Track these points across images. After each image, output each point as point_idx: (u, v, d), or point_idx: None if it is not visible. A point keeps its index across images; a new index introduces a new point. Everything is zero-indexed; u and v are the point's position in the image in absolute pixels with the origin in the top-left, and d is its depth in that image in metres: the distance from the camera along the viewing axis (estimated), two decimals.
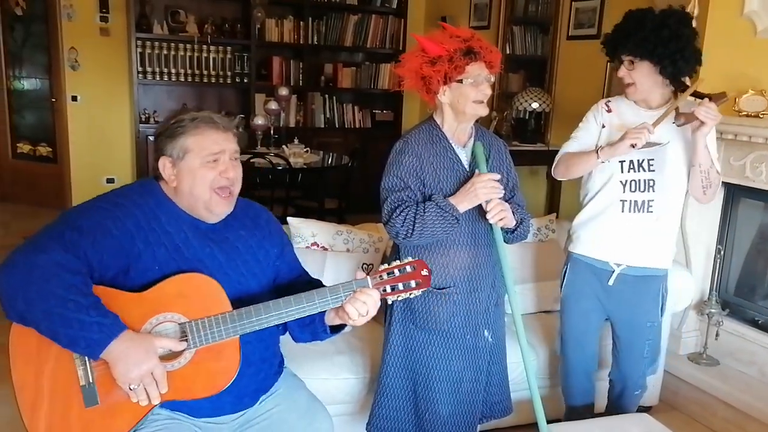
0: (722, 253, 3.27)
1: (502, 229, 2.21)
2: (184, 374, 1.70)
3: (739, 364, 3.22)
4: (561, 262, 3.34)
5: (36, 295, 1.56)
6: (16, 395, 1.66)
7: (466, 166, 2.25)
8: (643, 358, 2.64)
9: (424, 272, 1.80)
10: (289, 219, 3.04)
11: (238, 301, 1.77)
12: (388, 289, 1.79)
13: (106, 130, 6.33)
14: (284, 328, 1.98)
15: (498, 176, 2.17)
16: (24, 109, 6.64)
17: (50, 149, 6.56)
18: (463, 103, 2.16)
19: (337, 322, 1.88)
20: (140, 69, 6.09)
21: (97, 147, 6.34)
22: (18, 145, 6.66)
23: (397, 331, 2.33)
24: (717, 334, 3.23)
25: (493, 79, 2.21)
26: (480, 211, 2.19)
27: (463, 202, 2.14)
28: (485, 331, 2.34)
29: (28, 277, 1.57)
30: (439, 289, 2.26)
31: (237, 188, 1.86)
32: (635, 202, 2.46)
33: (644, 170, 2.45)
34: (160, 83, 6.27)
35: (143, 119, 6.21)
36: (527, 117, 5.32)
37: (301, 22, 6.57)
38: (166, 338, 1.67)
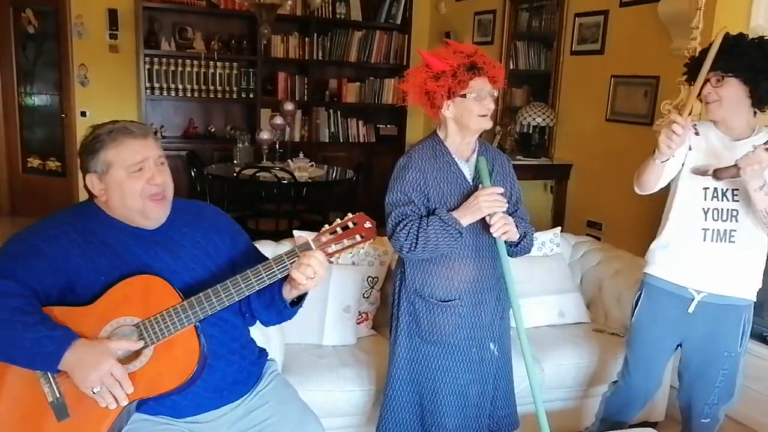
0: None
1: (505, 242, 2.22)
2: (149, 371, 1.72)
3: (747, 380, 3.18)
4: (567, 275, 3.36)
5: None
6: None
7: (470, 181, 2.26)
8: (714, 387, 2.50)
9: (367, 224, 1.78)
10: (295, 232, 3.05)
11: (194, 293, 1.77)
12: (333, 248, 1.77)
13: None
14: (250, 315, 1.98)
15: (501, 190, 2.18)
16: (35, 124, 6.70)
17: (59, 163, 6.61)
18: (467, 118, 2.18)
19: (294, 294, 1.86)
20: (148, 85, 6.15)
21: None
22: (28, 159, 6.72)
23: (402, 344, 2.34)
24: None
25: (496, 94, 2.22)
26: (484, 225, 2.20)
27: (466, 216, 2.16)
28: (491, 344, 2.34)
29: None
30: (444, 301, 2.26)
31: (170, 191, 1.86)
32: (717, 231, 2.35)
33: (728, 199, 2.34)
34: (168, 99, 6.33)
35: None
36: (531, 131, 5.33)
37: (307, 38, 6.62)
38: (119, 341, 1.69)
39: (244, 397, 1.95)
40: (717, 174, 2.25)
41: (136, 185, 1.78)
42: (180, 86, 6.27)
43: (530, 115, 5.23)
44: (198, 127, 6.57)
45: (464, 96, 2.16)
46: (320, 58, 6.76)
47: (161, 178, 1.81)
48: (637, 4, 4.50)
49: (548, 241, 3.44)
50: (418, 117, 7.01)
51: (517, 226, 2.22)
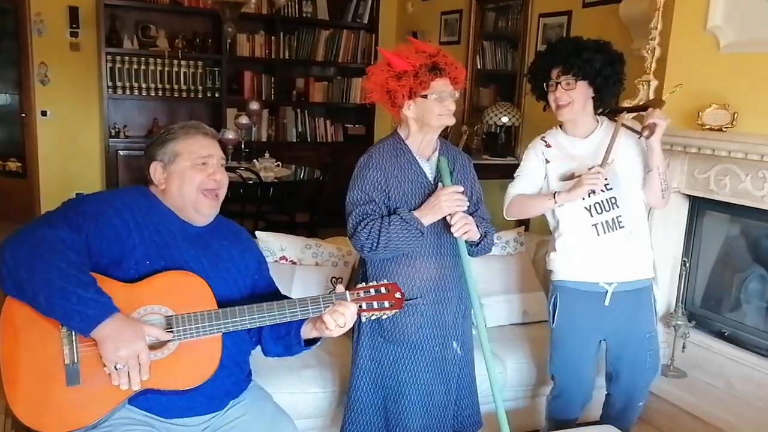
0: (688, 265, 3.30)
1: (466, 242, 2.22)
2: (166, 365, 1.75)
3: (707, 376, 3.25)
4: (530, 274, 3.38)
5: (39, 266, 1.62)
6: (0, 367, 1.69)
7: (431, 180, 2.25)
8: (647, 369, 2.65)
9: (397, 295, 1.91)
10: (258, 233, 3.03)
11: (219, 305, 1.83)
12: (364, 306, 1.88)
13: (75, 145, 6.27)
14: (257, 341, 2.03)
15: (461, 189, 2.18)
16: None
17: (20, 164, 6.48)
18: (428, 117, 2.18)
19: (314, 334, 1.93)
20: (110, 84, 6.06)
21: (67, 162, 6.27)
22: None
23: (365, 345, 2.33)
24: (684, 347, 3.25)
25: (457, 95, 2.22)
26: (445, 224, 2.19)
27: (427, 215, 2.15)
28: (454, 342, 2.34)
29: (34, 250, 1.64)
30: (406, 300, 2.25)
31: (222, 193, 1.98)
32: (606, 222, 2.50)
33: (603, 190, 2.50)
34: (131, 98, 6.24)
35: (113, 134, 6.17)
36: (497, 131, 5.36)
37: (273, 37, 6.57)
38: (153, 327, 1.72)
39: (227, 406, 1.96)
40: (644, 132, 2.45)
41: (196, 176, 1.90)
42: (143, 85, 6.19)
43: (496, 115, 5.25)
44: (162, 127, 6.45)
45: (425, 96, 2.15)
46: (287, 57, 6.71)
47: (220, 176, 1.95)
48: (600, 4, 4.54)
49: (512, 240, 3.45)
50: (386, 116, 7.00)
51: (477, 225, 2.22)
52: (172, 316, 1.76)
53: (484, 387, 2.59)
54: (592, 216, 2.51)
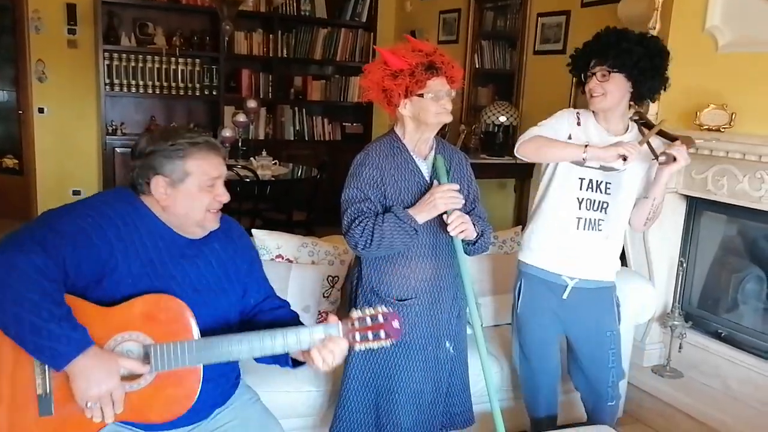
0: (685, 265, 3.30)
1: (462, 241, 2.21)
2: (142, 396, 1.67)
3: (703, 376, 3.25)
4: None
5: (11, 297, 1.53)
6: None
7: (427, 178, 2.24)
8: (609, 368, 2.64)
9: (395, 324, 1.78)
10: (254, 231, 3.01)
11: (209, 318, 1.77)
12: (357, 337, 1.76)
13: (72, 142, 6.26)
14: None
15: (457, 186, 2.17)
16: None
17: (16, 161, 6.47)
18: (424, 116, 2.16)
19: (301, 359, 1.85)
20: (107, 81, 6.04)
21: (64, 159, 6.26)
22: None
23: None
24: (680, 347, 3.25)
25: (454, 94, 2.21)
26: (441, 223, 2.18)
27: (421, 213, 2.14)
28: (447, 342, 2.33)
29: (6, 278, 1.54)
30: (400, 300, 2.25)
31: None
32: (589, 219, 2.50)
33: (601, 192, 2.49)
34: (128, 95, 6.22)
35: (110, 131, 6.15)
36: (495, 130, 5.35)
37: (271, 35, 6.56)
38: (130, 360, 1.64)
39: (213, 414, 1.92)
40: (661, 158, 2.38)
41: (205, 199, 1.79)
42: (141, 82, 6.17)
43: (494, 114, 5.25)
44: (160, 125, 6.46)
45: (421, 95, 2.14)
46: (285, 55, 6.70)
47: (227, 198, 1.85)
48: (598, 4, 4.54)
49: (509, 239, 3.44)
50: (384, 115, 6.93)
51: (474, 224, 2.21)
52: (150, 345, 1.66)
53: (480, 386, 2.59)
54: (579, 209, 2.50)
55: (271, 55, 6.61)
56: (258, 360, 1.93)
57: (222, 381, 1.91)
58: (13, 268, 1.54)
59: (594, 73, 2.41)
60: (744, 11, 2.95)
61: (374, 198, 2.18)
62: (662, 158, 2.39)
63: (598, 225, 2.50)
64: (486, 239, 2.30)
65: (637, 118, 2.55)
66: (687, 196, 3.30)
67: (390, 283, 2.25)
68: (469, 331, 2.44)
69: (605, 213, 2.50)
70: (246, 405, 1.98)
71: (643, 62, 2.36)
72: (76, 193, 6.34)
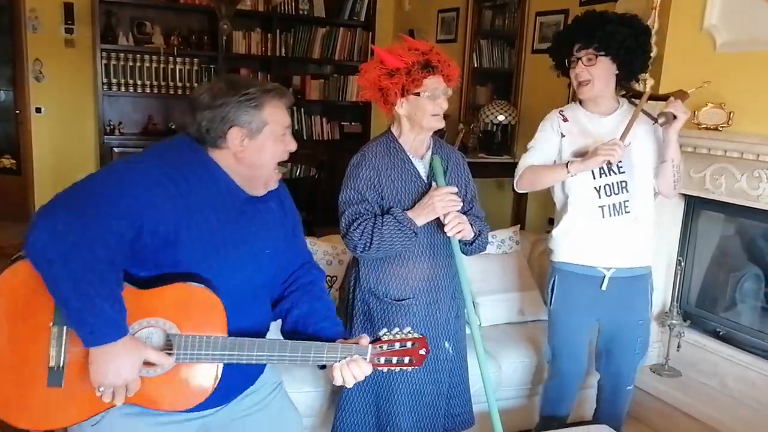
0: (683, 264, 3.30)
1: (460, 241, 2.21)
2: (157, 383, 1.63)
3: (701, 375, 3.25)
4: (525, 273, 3.37)
5: (75, 262, 1.44)
6: None
7: (424, 178, 2.24)
8: (635, 354, 2.68)
9: (422, 351, 1.74)
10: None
11: (258, 278, 1.74)
12: (382, 360, 1.73)
13: (70, 142, 6.24)
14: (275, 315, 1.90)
15: (455, 189, 2.17)
16: None
17: (14, 161, 6.45)
18: (420, 116, 2.16)
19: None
20: (105, 80, 6.02)
21: (62, 159, 6.24)
22: None
23: None
24: (679, 346, 3.25)
25: (450, 93, 2.21)
26: (438, 223, 2.18)
27: (420, 216, 2.14)
28: (446, 342, 2.33)
29: (80, 241, 1.44)
30: (398, 300, 2.25)
31: None
32: (613, 205, 2.48)
33: (615, 173, 2.47)
34: (126, 95, 6.21)
35: (108, 131, 6.14)
36: (494, 129, 5.34)
37: (269, 35, 6.55)
38: (156, 352, 1.58)
39: (240, 397, 1.87)
40: (660, 119, 2.41)
41: (277, 149, 1.73)
42: (139, 82, 6.16)
43: (492, 113, 5.23)
44: (158, 124, 6.45)
45: (418, 94, 2.14)
46: (283, 54, 6.69)
47: (295, 146, 1.77)
48: (597, 3, 4.52)
49: (507, 239, 3.45)
50: (383, 114, 6.96)
51: (471, 224, 2.21)
52: (176, 335, 1.61)
53: (478, 386, 2.59)
54: (600, 197, 2.48)
55: (269, 54, 6.60)
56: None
57: (247, 366, 1.82)
58: (86, 230, 1.46)
59: (579, 58, 2.40)
60: (742, 10, 2.94)
61: (371, 199, 2.18)
62: (661, 119, 2.40)
63: (625, 207, 2.48)
64: (483, 239, 2.30)
65: (623, 92, 2.57)
66: (685, 195, 3.30)
67: (387, 284, 2.25)
68: (467, 330, 2.44)
69: (627, 192, 2.48)
70: (270, 391, 1.94)
71: (629, 42, 2.36)
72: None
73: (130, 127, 6.36)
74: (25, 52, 5.98)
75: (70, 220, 1.46)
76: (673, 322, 3.22)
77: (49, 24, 5.98)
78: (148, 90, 6.21)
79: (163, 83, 6.25)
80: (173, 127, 6.47)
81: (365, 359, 1.70)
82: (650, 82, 3.24)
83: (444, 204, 2.13)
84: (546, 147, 2.54)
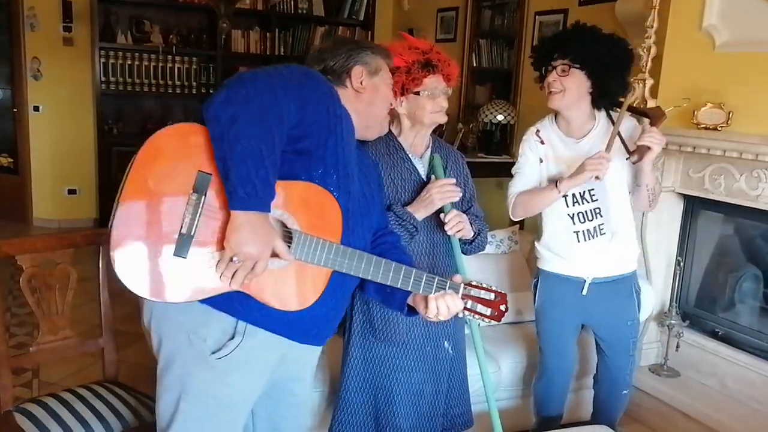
0: (682, 264, 3.30)
1: (459, 240, 2.21)
2: (272, 277, 1.61)
3: (700, 375, 3.25)
4: (525, 273, 3.37)
5: (258, 126, 1.48)
6: (119, 201, 1.52)
7: (424, 177, 2.24)
8: (629, 356, 2.67)
9: (502, 307, 1.79)
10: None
11: (362, 226, 1.79)
12: (469, 304, 1.78)
13: (68, 141, 6.24)
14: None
15: (453, 180, 2.16)
16: None
17: (11, 160, 6.46)
18: (420, 115, 2.17)
19: (412, 304, 1.84)
20: (104, 79, 6.02)
21: (60, 158, 6.24)
22: None
23: (356, 344, 2.31)
24: (678, 346, 3.25)
25: (450, 92, 2.21)
26: (439, 222, 2.18)
27: (420, 210, 2.14)
28: (445, 342, 2.32)
29: (268, 101, 1.49)
30: None
31: None
32: (587, 231, 2.50)
33: (587, 201, 2.48)
34: (124, 93, 6.20)
35: (106, 130, 6.14)
36: (493, 129, 5.34)
37: (268, 33, 6.56)
38: (282, 244, 1.57)
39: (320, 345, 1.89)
40: (633, 157, 2.36)
41: (388, 93, 1.92)
42: (137, 80, 6.16)
43: (492, 113, 5.24)
44: (156, 123, 6.44)
45: (418, 93, 2.14)
46: (282, 53, 6.70)
47: (392, 99, 2.00)
48: (596, 3, 4.54)
49: (506, 239, 3.44)
50: None
51: (471, 223, 2.21)
52: (296, 231, 1.61)
53: (477, 386, 2.58)
54: (574, 224, 2.51)
55: (268, 53, 6.60)
56: (367, 293, 1.92)
57: (342, 307, 1.88)
58: (274, 102, 1.50)
59: (555, 67, 2.38)
60: (741, 10, 2.95)
61: None
62: (634, 157, 2.36)
63: (600, 230, 2.49)
64: (483, 238, 2.30)
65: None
66: (684, 195, 3.30)
67: None
68: (466, 330, 2.44)
69: (601, 216, 2.48)
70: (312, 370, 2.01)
71: (605, 60, 2.33)
72: (71, 192, 6.33)
73: (128, 126, 6.36)
74: (23, 50, 5.98)
75: (258, 89, 1.50)
76: (672, 322, 3.23)
77: (47, 22, 5.98)
78: (146, 89, 6.22)
79: (161, 82, 6.25)
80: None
81: (458, 295, 1.76)
82: (650, 82, 3.24)
83: (442, 195, 2.12)
84: (530, 172, 2.54)
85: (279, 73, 1.59)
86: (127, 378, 2.46)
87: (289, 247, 1.59)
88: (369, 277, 1.72)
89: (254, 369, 1.71)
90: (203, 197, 1.54)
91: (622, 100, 2.44)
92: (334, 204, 1.68)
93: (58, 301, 2.21)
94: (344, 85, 1.84)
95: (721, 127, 2.98)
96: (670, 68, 3.21)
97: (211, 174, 1.53)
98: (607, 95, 2.42)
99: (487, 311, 1.79)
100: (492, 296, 1.78)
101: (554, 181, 2.42)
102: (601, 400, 2.80)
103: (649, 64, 3.28)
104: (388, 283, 1.74)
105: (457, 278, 1.79)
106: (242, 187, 1.48)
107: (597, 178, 2.31)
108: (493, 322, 1.81)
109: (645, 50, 3.27)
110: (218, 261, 1.54)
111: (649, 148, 2.32)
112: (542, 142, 2.53)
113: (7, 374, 2.07)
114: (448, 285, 1.76)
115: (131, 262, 1.52)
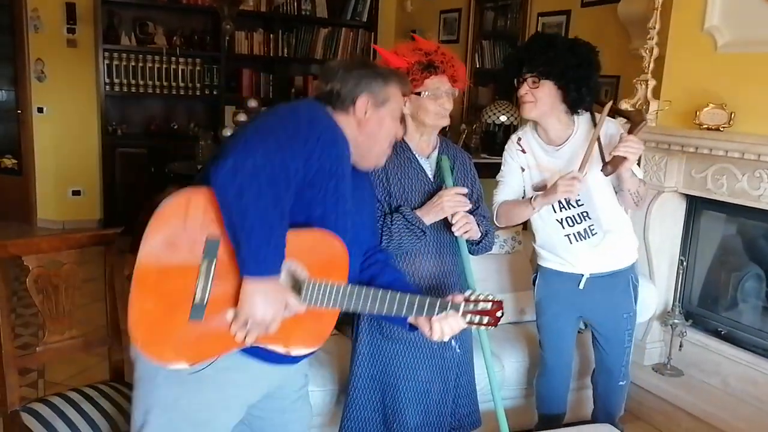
0: (685, 264, 3.31)
1: (467, 241, 2.22)
2: (282, 326, 1.64)
3: (703, 374, 3.26)
4: (528, 273, 3.38)
5: (271, 189, 1.50)
6: (134, 282, 1.56)
7: (431, 177, 2.26)
8: (625, 348, 2.69)
9: (499, 314, 1.85)
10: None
11: (353, 252, 1.79)
12: (468, 318, 1.84)
13: (72, 143, 6.25)
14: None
15: (465, 190, 2.18)
16: None
17: (15, 161, 6.46)
18: (422, 116, 2.18)
19: (413, 322, 1.89)
20: (107, 81, 6.04)
21: (63, 159, 6.25)
22: None
23: (364, 342, 2.32)
24: (681, 345, 3.26)
25: (456, 93, 2.22)
26: (446, 223, 2.20)
27: (428, 215, 2.16)
28: (453, 341, 2.33)
29: (275, 169, 1.50)
30: None
31: None
32: (578, 233, 2.52)
33: (573, 207, 2.50)
34: (128, 95, 6.22)
35: (110, 131, 6.16)
36: (496, 129, 5.36)
37: (271, 35, 6.57)
38: (294, 296, 1.63)
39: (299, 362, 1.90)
40: (606, 170, 2.34)
41: (393, 127, 1.85)
42: (141, 82, 6.17)
43: (495, 114, 5.25)
44: (160, 124, 6.47)
45: (419, 94, 2.15)
46: (285, 55, 6.71)
47: (402, 133, 1.95)
48: (599, 4, 4.55)
49: (510, 239, 3.46)
50: None
51: (478, 224, 2.22)
52: (305, 279, 1.65)
53: (483, 385, 2.60)
54: (564, 228, 2.54)
55: (271, 54, 6.62)
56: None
57: None
58: (281, 170, 1.52)
59: (525, 80, 2.39)
60: (743, 11, 2.96)
61: (380, 197, 2.19)
62: (607, 170, 2.32)
63: (591, 231, 2.52)
64: (490, 239, 2.32)
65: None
66: (687, 195, 3.31)
67: None
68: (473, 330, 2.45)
69: (590, 219, 2.50)
70: (302, 386, 2.05)
71: (572, 71, 2.33)
72: (75, 193, 6.34)
73: (132, 127, 6.38)
74: (27, 51, 5.99)
75: (265, 156, 1.50)
76: (675, 321, 3.24)
77: (51, 24, 6.00)
78: (150, 90, 6.23)
79: (165, 83, 6.26)
80: (175, 127, 6.48)
81: (459, 315, 1.81)
82: (652, 83, 3.25)
83: (452, 204, 2.15)
84: (513, 180, 2.57)
85: (283, 127, 1.60)
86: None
87: (299, 293, 1.64)
88: (376, 312, 1.77)
89: (226, 388, 1.72)
90: (214, 262, 1.57)
91: (603, 103, 2.44)
92: (341, 245, 1.72)
93: (63, 302, 2.22)
94: (348, 112, 1.79)
95: (723, 127, 2.99)
96: (673, 69, 3.22)
97: (219, 239, 1.56)
98: (580, 100, 2.41)
99: (485, 320, 1.85)
100: (489, 305, 1.84)
101: (530, 199, 2.45)
102: (599, 392, 2.82)
103: (652, 65, 3.29)
104: (394, 314, 1.79)
105: (458, 298, 1.82)
106: (252, 258, 1.52)
107: (566, 201, 2.39)
108: (491, 328, 1.87)
109: (647, 51, 3.29)
110: (232, 322, 1.59)
111: (624, 158, 2.29)
112: (523, 151, 2.56)
113: (13, 374, 2.08)
114: (449, 306, 1.80)
115: (154, 335, 1.57)
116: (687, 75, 3.12)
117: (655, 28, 3.24)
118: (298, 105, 1.78)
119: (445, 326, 1.80)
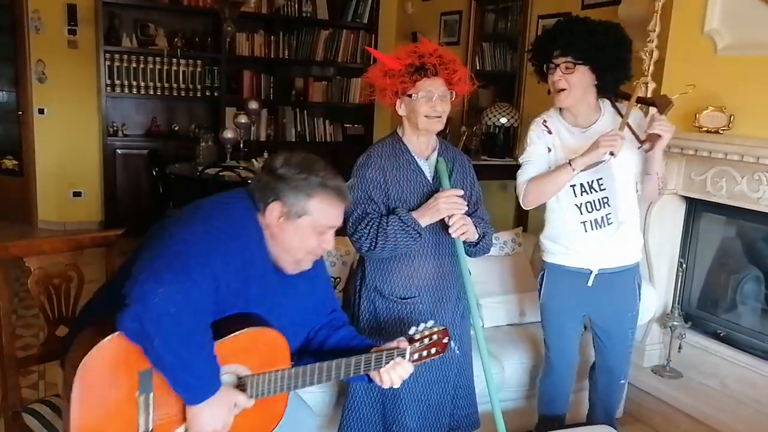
0: (684, 266, 3.31)
1: (464, 242, 2.23)
2: (235, 421, 1.71)
3: (702, 376, 3.26)
4: (528, 274, 3.39)
5: (177, 329, 1.50)
6: (71, 414, 1.56)
7: (429, 179, 2.26)
8: (627, 347, 2.70)
9: (445, 340, 1.95)
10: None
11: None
12: (416, 356, 1.91)
13: (73, 144, 6.26)
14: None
15: (461, 192, 2.19)
16: None
17: (16, 162, 6.47)
18: (414, 118, 2.19)
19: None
20: (108, 82, 6.04)
21: (64, 160, 6.26)
22: None
23: None
24: (680, 347, 3.26)
25: (453, 96, 2.21)
26: (443, 224, 2.20)
27: (425, 217, 2.16)
28: (452, 343, 2.34)
29: (178, 305, 1.50)
30: (404, 299, 2.27)
31: None
32: (595, 220, 2.49)
33: (596, 191, 2.46)
34: (129, 96, 6.23)
35: (111, 132, 6.16)
36: (496, 131, 5.37)
37: (272, 37, 6.58)
38: (242, 395, 1.69)
39: None
40: (645, 146, 2.38)
41: (311, 242, 1.77)
42: (142, 83, 6.18)
43: (495, 116, 5.26)
44: (161, 126, 6.48)
45: (411, 96, 2.16)
46: (286, 56, 6.72)
47: (331, 247, 1.83)
48: (599, 6, 4.55)
49: (510, 240, 3.46)
50: (385, 116, 7.01)
51: (476, 226, 2.23)
52: (247, 376, 1.71)
53: (481, 387, 2.60)
54: (582, 214, 2.49)
55: (272, 56, 6.63)
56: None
57: None
58: (185, 304, 1.51)
59: (557, 65, 2.35)
60: (743, 14, 2.96)
61: (378, 199, 2.20)
62: (646, 145, 2.39)
63: (607, 220, 2.48)
64: (487, 241, 2.32)
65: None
66: (686, 198, 3.32)
67: (393, 282, 2.27)
68: (471, 332, 2.45)
69: (608, 206, 2.47)
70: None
71: (608, 51, 2.31)
72: (76, 194, 6.35)
73: (133, 128, 6.38)
74: (28, 52, 6.00)
75: (167, 296, 1.49)
76: (675, 323, 3.24)
77: (52, 25, 6.01)
78: (151, 92, 6.23)
79: (166, 85, 6.27)
80: (176, 128, 6.49)
81: (405, 359, 1.88)
82: (652, 86, 3.26)
83: (448, 206, 2.15)
84: (539, 159, 2.51)
85: (189, 252, 1.57)
86: None
87: (245, 390, 1.70)
88: (324, 381, 1.83)
89: None
90: (150, 394, 1.60)
91: (627, 92, 2.45)
92: (276, 334, 1.75)
93: (65, 303, 2.23)
94: (262, 212, 1.75)
95: (723, 130, 2.99)
96: (673, 72, 3.23)
97: (150, 369, 1.57)
98: (612, 83, 2.41)
99: (433, 350, 1.94)
100: (435, 337, 1.92)
101: (568, 161, 2.38)
102: (599, 392, 2.81)
103: (652, 67, 3.30)
104: (342, 378, 1.86)
105: (404, 344, 1.88)
106: (184, 391, 1.58)
107: (611, 154, 2.28)
108: (439, 356, 1.96)
109: (647, 54, 3.30)
110: None
111: (659, 135, 2.34)
112: (549, 132, 2.51)
113: (14, 375, 2.09)
114: (396, 353, 1.86)
115: None
116: (687, 77, 3.12)
117: (655, 30, 3.25)
118: (211, 211, 1.75)
119: (393, 375, 1.87)
